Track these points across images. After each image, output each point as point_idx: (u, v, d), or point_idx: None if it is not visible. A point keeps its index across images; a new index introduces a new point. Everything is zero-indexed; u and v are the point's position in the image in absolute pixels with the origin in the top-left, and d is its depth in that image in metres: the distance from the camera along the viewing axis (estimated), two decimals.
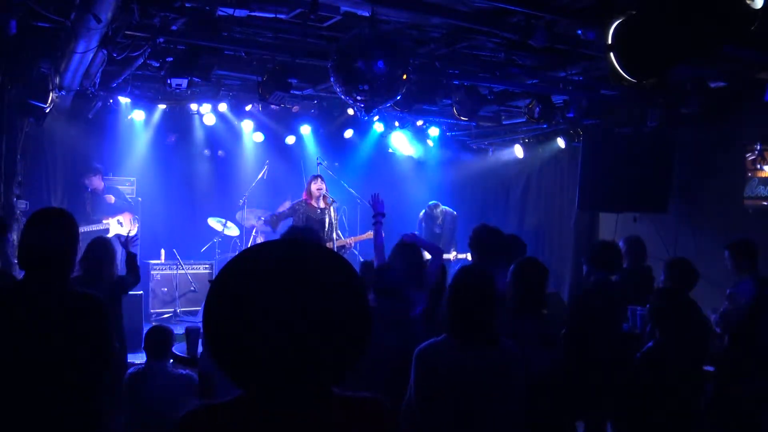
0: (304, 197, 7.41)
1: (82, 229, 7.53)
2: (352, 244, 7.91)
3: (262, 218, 8.14)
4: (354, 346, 1.25)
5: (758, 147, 6.76)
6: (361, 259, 7.41)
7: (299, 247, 1.29)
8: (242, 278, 1.23)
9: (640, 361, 3.54)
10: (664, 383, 3.42)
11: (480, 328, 2.72)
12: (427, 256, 4.44)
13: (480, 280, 2.78)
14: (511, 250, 4.59)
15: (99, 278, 4.28)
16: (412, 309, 3.68)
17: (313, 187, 7.32)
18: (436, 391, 2.66)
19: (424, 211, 9.13)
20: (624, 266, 5.02)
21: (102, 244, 4.50)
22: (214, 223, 8.92)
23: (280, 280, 1.20)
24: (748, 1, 2.90)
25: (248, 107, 8.59)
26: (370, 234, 7.89)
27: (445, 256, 8.56)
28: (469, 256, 8.36)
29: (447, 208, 9.14)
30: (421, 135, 10.16)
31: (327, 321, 1.20)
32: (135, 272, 4.75)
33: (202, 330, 1.24)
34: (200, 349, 4.05)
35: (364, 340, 1.26)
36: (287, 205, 9.45)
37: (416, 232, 8.76)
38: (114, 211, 8.38)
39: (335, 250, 6.96)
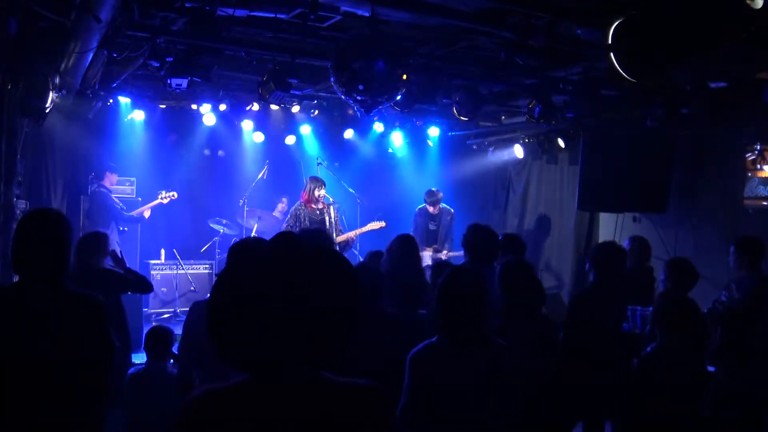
0: (303, 199, 7.39)
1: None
2: (355, 238, 7.87)
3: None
4: (343, 329, 1.37)
5: (758, 147, 6.76)
6: (361, 259, 7.39)
7: (296, 242, 1.42)
8: (242, 269, 1.37)
9: (643, 363, 3.54)
10: (666, 385, 3.42)
11: (470, 327, 2.72)
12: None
13: (470, 280, 2.79)
14: (509, 251, 4.60)
15: (88, 269, 4.36)
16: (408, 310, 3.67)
17: (317, 193, 7.30)
18: (431, 392, 2.66)
19: (421, 206, 8.97)
20: (627, 266, 5.00)
21: (92, 237, 4.57)
22: (214, 223, 8.93)
23: (277, 272, 1.33)
24: (748, 1, 2.90)
25: (248, 107, 8.58)
26: (372, 225, 7.89)
27: (437, 255, 8.57)
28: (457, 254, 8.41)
29: (444, 205, 9.04)
30: (421, 135, 10.15)
31: (318, 307, 1.32)
32: (131, 271, 4.78)
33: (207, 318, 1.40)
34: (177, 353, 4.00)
35: (352, 324, 1.38)
36: (283, 206, 9.41)
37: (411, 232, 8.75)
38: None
39: (338, 248, 6.95)
